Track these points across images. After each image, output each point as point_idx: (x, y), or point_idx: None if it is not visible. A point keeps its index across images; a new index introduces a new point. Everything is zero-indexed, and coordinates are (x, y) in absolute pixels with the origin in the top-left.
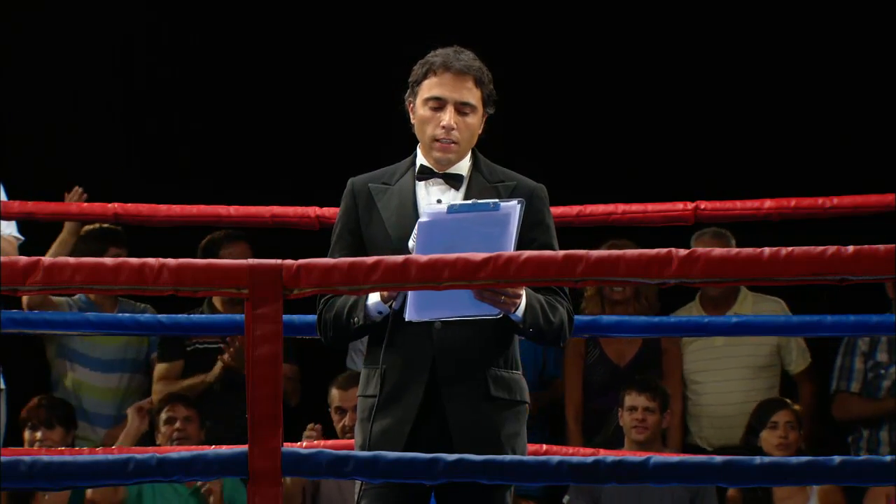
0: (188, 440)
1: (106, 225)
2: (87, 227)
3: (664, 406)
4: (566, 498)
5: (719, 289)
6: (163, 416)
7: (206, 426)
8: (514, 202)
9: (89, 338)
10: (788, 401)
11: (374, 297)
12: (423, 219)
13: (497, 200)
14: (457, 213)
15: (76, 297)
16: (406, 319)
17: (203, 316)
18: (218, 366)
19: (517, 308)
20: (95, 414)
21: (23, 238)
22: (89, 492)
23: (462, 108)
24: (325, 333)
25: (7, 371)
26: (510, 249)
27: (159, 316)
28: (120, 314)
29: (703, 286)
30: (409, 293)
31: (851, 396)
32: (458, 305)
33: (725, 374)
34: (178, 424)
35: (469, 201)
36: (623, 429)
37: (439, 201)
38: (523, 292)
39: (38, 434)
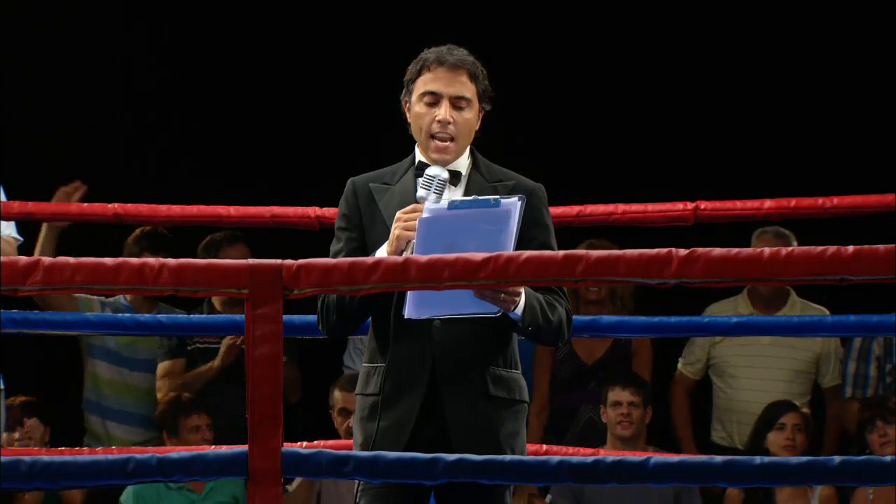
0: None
1: (153, 229)
2: (136, 231)
3: (647, 401)
4: (549, 497)
5: (770, 289)
6: (188, 424)
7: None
8: (514, 199)
9: (120, 336)
10: (797, 403)
11: (381, 253)
12: (423, 215)
13: (498, 197)
14: (457, 210)
15: (115, 298)
16: (405, 317)
17: (203, 316)
18: (223, 349)
19: (517, 306)
20: (123, 412)
21: (21, 239)
22: None
23: (457, 102)
24: (329, 319)
25: (6, 370)
26: (510, 247)
27: (159, 316)
28: (120, 314)
29: (703, 286)
30: (409, 291)
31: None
32: (457, 303)
33: (766, 374)
34: (203, 434)
35: (470, 197)
36: (607, 425)
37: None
38: (523, 291)
39: (16, 435)
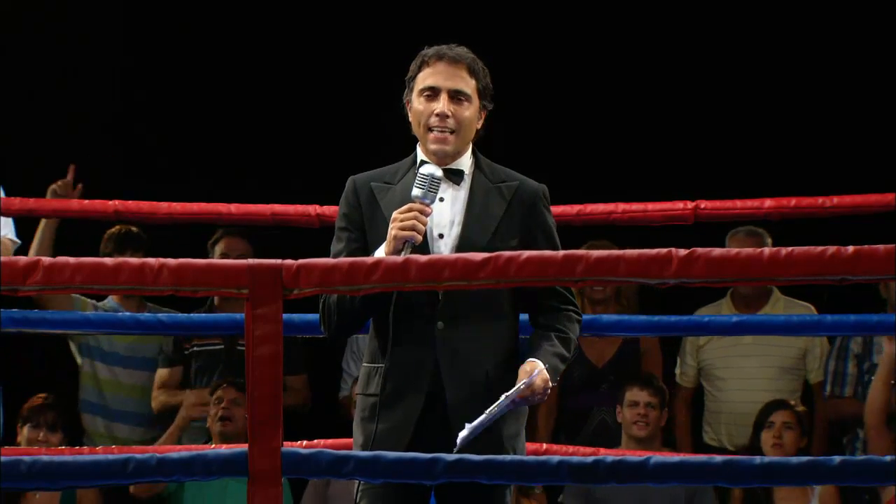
0: (231, 421)
1: (126, 229)
2: (109, 231)
3: (663, 403)
4: (560, 498)
5: (751, 289)
6: (214, 396)
7: None
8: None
9: (118, 336)
10: (792, 402)
11: (379, 254)
12: (464, 433)
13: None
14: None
15: (105, 300)
16: (458, 446)
17: (203, 315)
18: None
19: (549, 385)
20: (121, 412)
21: (19, 241)
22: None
23: (456, 97)
24: (330, 320)
25: (5, 369)
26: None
27: (159, 315)
28: (120, 313)
29: (703, 286)
30: (466, 428)
31: (844, 401)
32: (498, 412)
33: (751, 373)
34: (224, 404)
35: (485, 413)
36: (622, 425)
37: (441, 199)
38: (540, 365)
39: (40, 435)
